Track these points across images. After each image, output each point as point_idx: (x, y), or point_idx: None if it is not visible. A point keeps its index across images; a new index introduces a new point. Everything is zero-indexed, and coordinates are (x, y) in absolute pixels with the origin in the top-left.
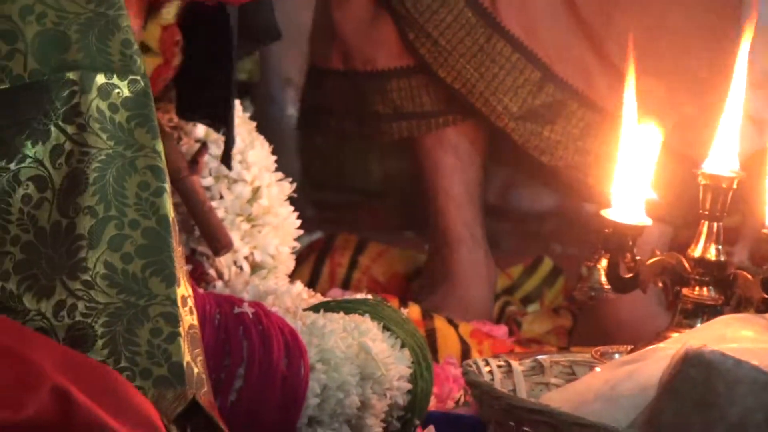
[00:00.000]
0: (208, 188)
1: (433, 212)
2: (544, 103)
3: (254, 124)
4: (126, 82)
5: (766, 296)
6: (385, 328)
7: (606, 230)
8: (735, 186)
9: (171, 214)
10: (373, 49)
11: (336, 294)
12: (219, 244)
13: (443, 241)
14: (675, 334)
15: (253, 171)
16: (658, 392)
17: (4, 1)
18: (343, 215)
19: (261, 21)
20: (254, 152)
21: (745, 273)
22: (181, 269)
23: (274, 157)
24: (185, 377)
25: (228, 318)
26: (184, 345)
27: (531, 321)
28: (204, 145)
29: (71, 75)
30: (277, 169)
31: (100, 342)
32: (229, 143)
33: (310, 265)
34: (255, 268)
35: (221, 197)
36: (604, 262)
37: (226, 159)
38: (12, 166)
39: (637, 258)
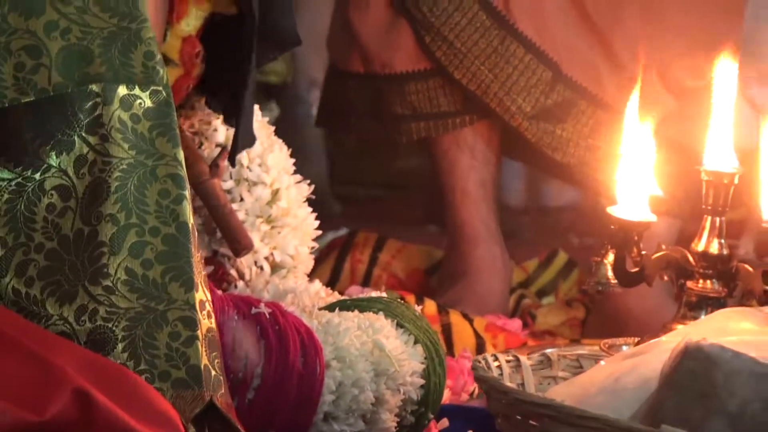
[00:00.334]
0: (228, 191)
1: (450, 210)
2: (555, 102)
3: (273, 128)
4: (148, 93)
5: (767, 288)
6: (399, 326)
7: (612, 227)
8: (736, 181)
9: (190, 221)
10: (391, 53)
11: (354, 291)
12: (240, 245)
13: (460, 238)
14: (680, 326)
15: (272, 174)
16: (659, 385)
17: (29, 17)
18: (368, 210)
19: (281, 28)
20: (273, 155)
21: (746, 266)
22: (200, 274)
23: (293, 160)
24: (203, 379)
25: (245, 318)
26: (202, 348)
27: (545, 313)
28: (224, 150)
29: (94, 87)
30: (299, 170)
31: (120, 345)
32: (238, 142)
33: (331, 262)
34: (275, 268)
35: (242, 200)
36: (611, 257)
37: (232, 157)
38: (37, 176)
39: (643, 252)
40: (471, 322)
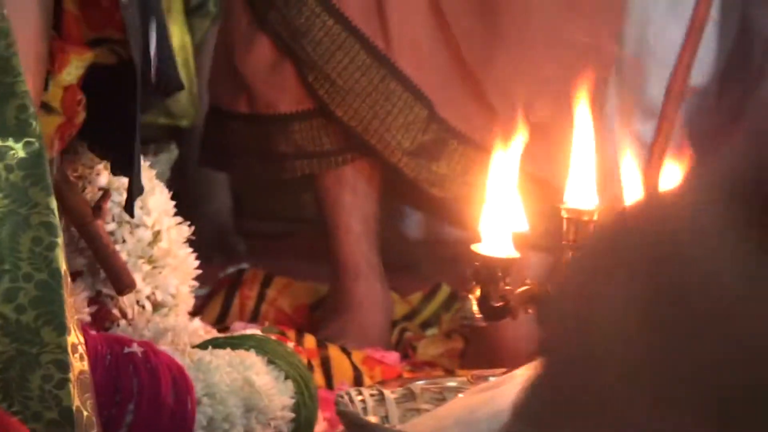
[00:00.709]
0: (111, 233)
1: (332, 245)
2: (431, 140)
3: (154, 171)
4: (21, 144)
5: None
6: (270, 362)
7: (476, 263)
8: (595, 217)
9: (63, 267)
10: (276, 93)
11: (239, 327)
12: (122, 284)
13: (343, 273)
14: None
15: (154, 216)
16: (509, 416)
17: None
18: (277, 245)
19: (164, 74)
20: (154, 198)
21: None
22: (72, 319)
23: (173, 202)
24: (74, 420)
25: (118, 357)
26: (74, 390)
27: (426, 345)
28: (107, 193)
29: None
30: (202, 207)
31: None
32: (132, 192)
33: (220, 298)
34: (157, 306)
35: (124, 241)
36: (477, 292)
37: (128, 207)
38: None
39: (507, 288)
40: (349, 355)
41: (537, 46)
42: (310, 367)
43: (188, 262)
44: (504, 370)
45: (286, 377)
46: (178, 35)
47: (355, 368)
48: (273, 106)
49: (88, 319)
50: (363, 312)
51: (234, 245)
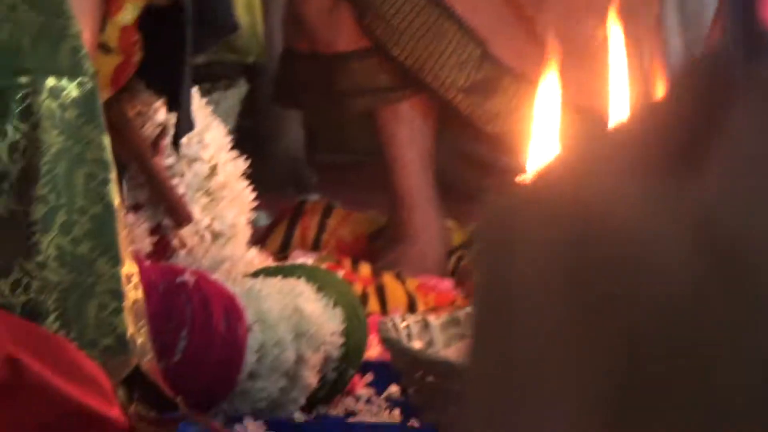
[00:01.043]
0: (170, 167)
1: (390, 178)
2: (485, 77)
3: (210, 108)
4: (75, 84)
5: None
6: (319, 290)
7: None
8: None
9: (116, 201)
10: (335, 33)
11: (297, 256)
12: (180, 217)
13: (400, 205)
14: None
15: (210, 150)
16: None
17: None
18: (349, 176)
19: (218, 15)
20: (210, 133)
21: None
22: (126, 250)
23: (230, 137)
24: (129, 346)
25: (171, 286)
26: (128, 318)
27: None
28: (164, 129)
29: (24, 79)
30: (273, 142)
31: (52, 316)
32: (181, 128)
33: (283, 229)
34: (215, 237)
35: (182, 174)
36: None
37: (176, 142)
38: None
39: None
40: (403, 283)
41: None
42: (365, 294)
43: (245, 194)
44: None
45: (335, 304)
46: None
47: (409, 295)
48: (332, 45)
49: (149, 249)
50: (419, 242)
51: (306, 177)
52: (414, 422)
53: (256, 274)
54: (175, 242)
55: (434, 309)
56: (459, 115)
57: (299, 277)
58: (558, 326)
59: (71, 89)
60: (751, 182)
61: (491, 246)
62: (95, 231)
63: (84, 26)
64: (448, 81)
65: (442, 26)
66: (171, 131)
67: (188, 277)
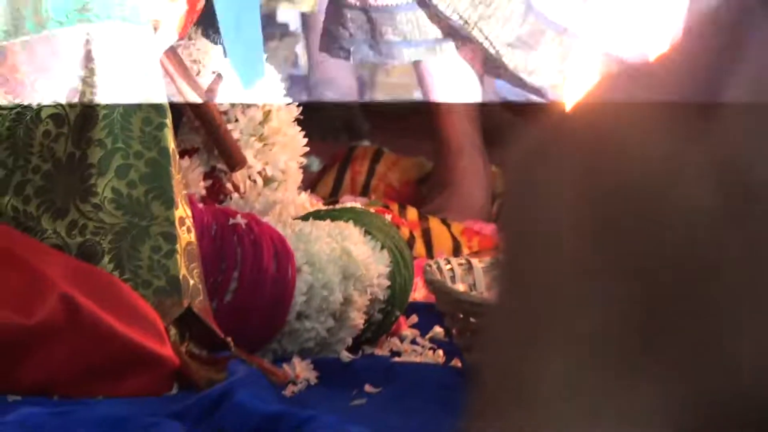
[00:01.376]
0: (224, 112)
1: (436, 124)
2: (529, 31)
3: (265, 56)
4: (133, 30)
5: None
6: (367, 233)
7: None
8: None
9: (171, 146)
10: None
11: (347, 200)
12: (233, 161)
13: (446, 151)
14: None
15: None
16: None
17: None
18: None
19: None
20: (265, 80)
21: None
22: (180, 194)
23: (283, 84)
24: (181, 288)
25: (223, 228)
26: (181, 260)
27: None
28: (219, 76)
29: (83, 25)
30: (309, 94)
31: (107, 257)
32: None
33: (333, 174)
34: (267, 181)
35: (236, 120)
36: None
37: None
38: (34, 105)
39: None
40: (449, 227)
41: None
42: (411, 238)
43: (297, 139)
44: None
45: (382, 247)
46: None
47: (455, 239)
48: None
49: (203, 192)
50: (464, 186)
51: (359, 124)
52: (457, 362)
53: (305, 218)
54: (228, 186)
55: (478, 252)
56: (504, 66)
57: (348, 220)
58: (582, 255)
59: (129, 35)
60: None
61: (518, 178)
62: (150, 175)
63: None
64: (493, 35)
65: None
66: (226, 78)
67: (240, 220)
